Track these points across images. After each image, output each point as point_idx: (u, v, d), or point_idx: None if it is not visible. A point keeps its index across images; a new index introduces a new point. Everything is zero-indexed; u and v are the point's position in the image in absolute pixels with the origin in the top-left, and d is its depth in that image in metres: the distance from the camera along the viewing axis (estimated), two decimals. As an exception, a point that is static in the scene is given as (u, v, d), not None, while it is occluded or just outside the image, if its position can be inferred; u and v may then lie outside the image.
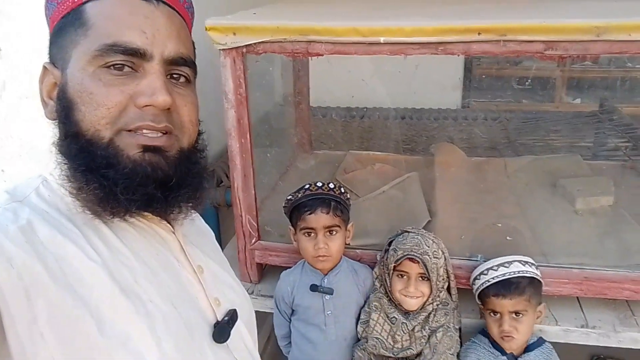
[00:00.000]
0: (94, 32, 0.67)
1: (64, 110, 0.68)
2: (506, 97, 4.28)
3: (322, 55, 1.57)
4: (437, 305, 1.60)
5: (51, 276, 0.61)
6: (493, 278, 1.53)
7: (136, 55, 0.67)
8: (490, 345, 1.61)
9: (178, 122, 0.72)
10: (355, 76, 2.62)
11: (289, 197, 1.66)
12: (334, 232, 1.61)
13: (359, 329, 1.64)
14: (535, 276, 1.54)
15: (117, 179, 0.66)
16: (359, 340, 1.66)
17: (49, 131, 1.74)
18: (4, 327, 0.57)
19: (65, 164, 0.69)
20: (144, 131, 0.68)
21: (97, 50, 0.66)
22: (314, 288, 1.63)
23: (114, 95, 0.66)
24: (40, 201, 0.69)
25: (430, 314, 1.59)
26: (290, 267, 1.77)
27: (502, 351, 1.58)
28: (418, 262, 1.54)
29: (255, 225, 1.81)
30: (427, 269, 1.53)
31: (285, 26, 1.53)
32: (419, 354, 1.56)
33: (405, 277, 1.58)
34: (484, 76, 4.28)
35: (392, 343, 1.58)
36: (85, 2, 0.68)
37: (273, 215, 1.96)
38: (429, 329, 1.57)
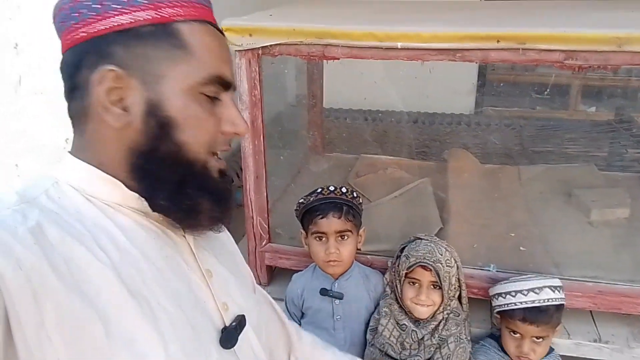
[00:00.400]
0: (197, 60, 0.69)
1: (160, 127, 0.69)
2: (520, 104, 4.24)
3: (338, 59, 1.56)
4: (448, 314, 1.58)
5: (60, 278, 0.60)
6: (522, 303, 1.48)
7: (225, 86, 0.73)
8: (500, 349, 1.60)
9: None
10: (368, 79, 2.60)
11: (300, 200, 1.65)
12: (346, 237, 1.60)
13: (368, 336, 1.62)
14: (562, 302, 1.50)
15: (216, 199, 0.74)
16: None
17: (61, 128, 1.74)
18: (12, 330, 0.57)
19: (157, 179, 0.70)
20: (219, 154, 0.75)
21: (204, 78, 0.70)
22: (324, 292, 1.62)
23: (213, 122, 0.72)
24: (49, 202, 0.68)
25: (440, 322, 1.57)
26: (301, 270, 1.76)
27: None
28: (430, 270, 1.52)
29: (266, 227, 1.80)
30: (439, 277, 1.51)
31: (302, 29, 1.52)
32: None
33: (416, 284, 1.56)
34: (502, 84, 4.25)
35: (400, 349, 1.56)
36: (176, 21, 0.69)
37: (284, 218, 1.95)
38: (439, 337, 1.56)
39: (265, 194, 1.77)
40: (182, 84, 0.68)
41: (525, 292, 1.49)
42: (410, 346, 1.56)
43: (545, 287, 1.49)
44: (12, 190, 0.69)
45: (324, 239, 1.60)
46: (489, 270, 1.69)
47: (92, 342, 0.60)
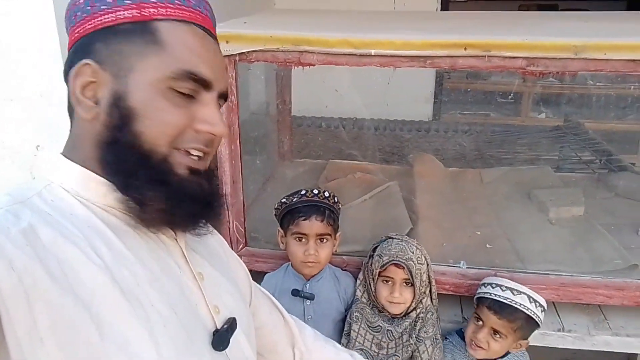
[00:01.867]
0: (169, 55, 0.70)
1: (120, 117, 0.69)
2: (475, 111, 4.42)
3: (313, 65, 1.61)
4: (422, 312, 1.63)
5: (52, 279, 0.60)
6: (495, 295, 1.56)
7: (203, 84, 0.72)
8: (466, 349, 1.66)
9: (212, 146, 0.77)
10: (329, 87, 2.66)
11: (282, 200, 1.68)
12: (325, 240, 1.64)
13: (343, 340, 1.66)
14: (534, 317, 1.54)
15: (172, 195, 0.70)
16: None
17: (32, 135, 1.70)
18: (4, 331, 0.56)
19: (114, 172, 0.70)
20: (192, 152, 0.73)
21: (173, 72, 0.70)
22: (295, 293, 1.65)
23: (179, 115, 0.70)
24: (42, 204, 0.68)
25: (416, 322, 1.62)
26: (276, 273, 1.78)
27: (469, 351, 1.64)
28: (403, 268, 1.57)
29: (243, 231, 1.82)
30: (411, 275, 1.57)
31: (279, 36, 1.56)
32: None
33: (390, 282, 1.60)
34: (470, 91, 4.41)
35: (377, 350, 1.60)
36: (155, 20, 0.70)
37: (257, 222, 1.98)
38: (416, 338, 1.60)
39: (241, 198, 1.79)
40: (149, 77, 0.69)
41: (504, 289, 1.55)
42: (387, 345, 1.60)
43: (525, 293, 1.54)
44: (3, 191, 0.69)
45: (303, 240, 1.63)
46: (460, 267, 1.77)
47: (86, 344, 0.60)
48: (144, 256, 0.72)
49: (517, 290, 1.55)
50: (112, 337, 0.62)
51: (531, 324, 1.55)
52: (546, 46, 1.48)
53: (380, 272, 1.61)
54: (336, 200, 1.69)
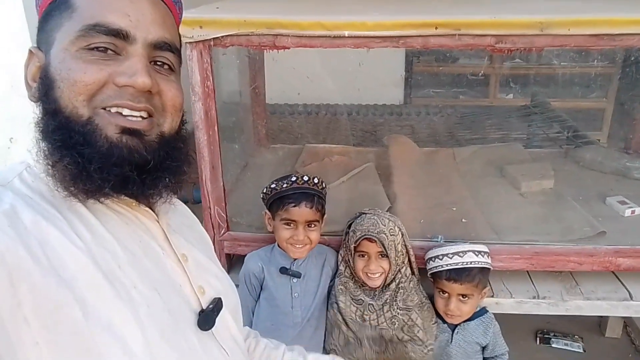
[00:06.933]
0: (78, 15, 0.68)
1: (44, 88, 0.68)
2: (445, 94, 4.49)
3: (288, 48, 1.62)
4: (402, 282, 1.68)
5: (35, 261, 0.60)
6: (447, 265, 1.64)
7: (119, 36, 0.68)
8: (436, 315, 1.74)
9: (159, 105, 0.72)
10: (301, 73, 2.68)
11: (272, 186, 1.68)
12: (313, 226, 1.67)
13: (329, 311, 1.70)
14: (485, 265, 1.66)
15: (92, 157, 0.66)
16: (326, 324, 1.73)
17: (5, 127, 1.69)
18: None
19: (42, 140, 0.69)
20: (124, 111, 0.68)
21: (80, 30, 0.67)
22: (283, 270, 1.68)
23: (92, 72, 0.67)
24: (23, 186, 0.68)
25: (397, 292, 1.67)
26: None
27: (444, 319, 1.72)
28: (375, 242, 1.61)
29: (224, 216, 1.83)
30: (384, 247, 1.61)
31: (252, 20, 1.57)
32: (405, 338, 1.64)
33: (365, 256, 1.65)
34: (439, 75, 4.45)
35: (361, 322, 1.65)
36: None
37: (238, 207, 1.99)
38: (406, 308, 1.65)
39: (221, 183, 1.80)
40: (63, 42, 0.68)
41: (451, 255, 1.65)
42: (369, 318, 1.65)
43: (469, 251, 1.65)
44: None
45: (292, 225, 1.65)
46: (437, 242, 1.82)
47: (71, 325, 0.61)
48: (125, 238, 0.73)
49: (462, 252, 1.65)
50: (96, 318, 0.62)
51: (485, 272, 1.67)
52: (514, 23, 1.53)
53: (355, 247, 1.66)
54: (324, 185, 1.71)
